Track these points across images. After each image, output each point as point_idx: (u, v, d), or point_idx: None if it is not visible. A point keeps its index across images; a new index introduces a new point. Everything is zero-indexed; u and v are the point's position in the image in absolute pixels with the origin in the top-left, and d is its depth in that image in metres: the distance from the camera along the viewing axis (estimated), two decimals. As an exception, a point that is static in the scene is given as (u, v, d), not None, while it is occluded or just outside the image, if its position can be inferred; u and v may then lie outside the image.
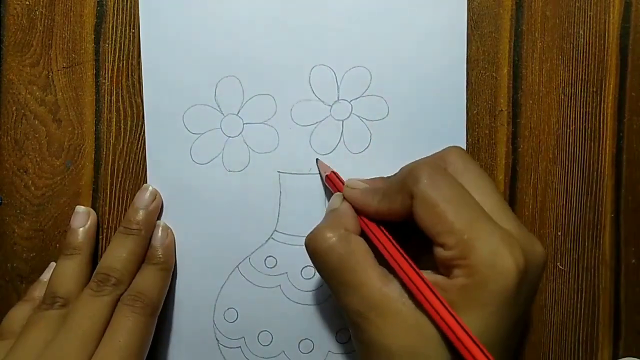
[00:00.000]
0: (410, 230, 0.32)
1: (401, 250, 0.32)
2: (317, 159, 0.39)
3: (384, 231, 0.33)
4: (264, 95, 0.40)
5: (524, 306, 0.31)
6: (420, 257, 0.32)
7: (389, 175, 0.35)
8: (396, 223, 0.33)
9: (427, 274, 0.31)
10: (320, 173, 0.39)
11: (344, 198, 0.35)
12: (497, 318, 0.29)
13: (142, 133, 0.40)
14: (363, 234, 0.34)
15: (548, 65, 0.40)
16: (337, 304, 0.33)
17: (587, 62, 0.40)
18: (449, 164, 0.33)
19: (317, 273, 0.40)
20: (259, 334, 0.40)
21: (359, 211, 0.34)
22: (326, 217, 0.35)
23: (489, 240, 0.29)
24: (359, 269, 0.31)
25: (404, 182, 0.32)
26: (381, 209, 0.33)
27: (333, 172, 0.38)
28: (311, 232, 0.34)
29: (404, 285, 0.31)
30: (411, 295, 0.30)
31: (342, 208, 0.35)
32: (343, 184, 0.36)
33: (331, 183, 0.38)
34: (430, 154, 0.39)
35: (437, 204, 0.30)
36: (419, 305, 0.30)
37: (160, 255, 0.39)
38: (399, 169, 0.34)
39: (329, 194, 0.39)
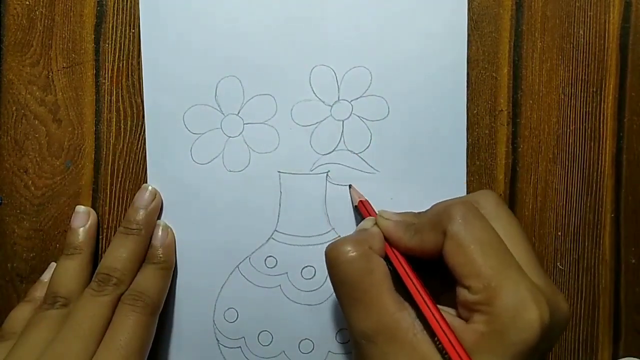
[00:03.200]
0: (432, 268, 0.32)
1: (422, 283, 0.31)
2: (350, 185, 0.39)
3: (407, 261, 0.33)
4: (264, 95, 0.40)
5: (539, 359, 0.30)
6: (439, 296, 0.32)
7: (420, 211, 0.35)
8: (420, 259, 0.33)
9: (445, 313, 0.30)
10: (352, 200, 0.39)
11: (375, 223, 0.35)
12: None
13: (142, 133, 0.40)
14: (386, 260, 0.33)
15: (548, 65, 0.40)
16: (345, 320, 0.32)
17: (587, 62, 0.40)
18: (482, 207, 0.33)
19: (317, 273, 0.40)
20: (259, 334, 0.40)
21: (389, 243, 0.34)
22: (354, 233, 0.35)
23: (516, 290, 0.29)
24: (375, 290, 0.31)
25: (439, 219, 0.31)
26: (413, 244, 0.32)
27: (365, 200, 0.38)
28: (333, 242, 0.33)
29: (418, 316, 0.30)
30: (424, 327, 0.30)
31: (372, 230, 0.34)
32: (372, 212, 0.36)
33: (364, 209, 0.37)
34: (430, 154, 0.39)
35: (468, 245, 0.30)
36: (431, 338, 0.29)
37: (161, 255, 0.39)
38: (431, 206, 0.34)
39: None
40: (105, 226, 0.41)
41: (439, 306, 0.30)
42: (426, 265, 0.33)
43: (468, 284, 0.29)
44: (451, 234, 0.30)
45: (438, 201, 0.39)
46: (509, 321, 0.28)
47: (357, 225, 0.37)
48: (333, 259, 0.32)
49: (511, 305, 0.28)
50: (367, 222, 0.35)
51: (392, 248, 0.33)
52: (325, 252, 0.33)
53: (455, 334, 0.29)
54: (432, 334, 0.29)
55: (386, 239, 0.34)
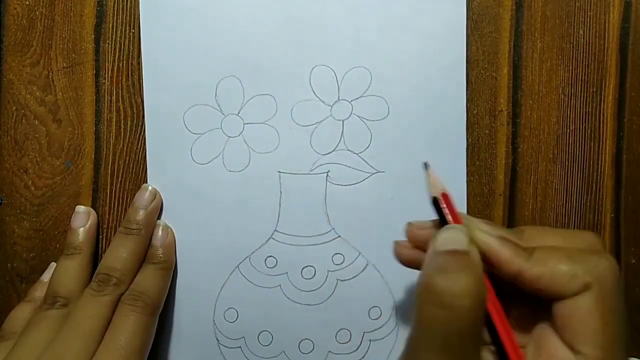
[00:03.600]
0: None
1: (508, 325, 0.27)
2: (425, 163, 0.30)
3: (496, 297, 0.27)
4: (264, 95, 0.40)
5: None
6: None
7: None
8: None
9: None
10: (429, 188, 0.30)
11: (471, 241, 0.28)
12: None
13: (142, 133, 0.40)
14: None
15: (548, 65, 0.40)
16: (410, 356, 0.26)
17: (587, 62, 0.40)
18: (602, 278, 0.27)
19: (317, 273, 0.40)
20: (259, 334, 0.40)
21: (492, 265, 0.27)
22: (446, 258, 0.27)
23: None
24: (474, 343, 0.25)
25: (583, 265, 0.27)
26: (532, 273, 0.27)
27: (446, 192, 0.29)
28: (433, 267, 0.26)
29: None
30: None
31: (474, 254, 0.27)
32: (456, 215, 0.29)
33: (445, 208, 0.28)
34: (430, 154, 0.39)
35: (606, 312, 0.26)
36: None
37: (161, 255, 0.39)
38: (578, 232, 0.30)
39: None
40: (105, 226, 0.41)
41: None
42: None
43: (580, 348, 0.26)
44: (598, 291, 0.26)
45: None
46: None
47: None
48: (438, 290, 0.25)
49: None
50: (460, 237, 0.27)
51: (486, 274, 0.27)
52: (420, 283, 0.26)
53: None
54: None
55: (489, 256, 0.27)
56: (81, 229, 0.39)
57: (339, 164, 0.40)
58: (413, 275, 0.31)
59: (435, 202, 0.28)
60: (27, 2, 0.40)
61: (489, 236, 0.27)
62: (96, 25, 0.40)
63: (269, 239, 0.40)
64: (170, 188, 0.40)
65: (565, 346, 0.27)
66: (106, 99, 0.40)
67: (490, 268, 0.27)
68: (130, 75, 0.40)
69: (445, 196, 0.28)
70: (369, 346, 0.40)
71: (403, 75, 0.39)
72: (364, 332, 0.40)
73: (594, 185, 0.40)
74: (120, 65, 0.40)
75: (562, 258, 0.27)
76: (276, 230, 0.40)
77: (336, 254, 0.40)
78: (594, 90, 0.40)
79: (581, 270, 0.27)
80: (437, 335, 0.25)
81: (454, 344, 0.25)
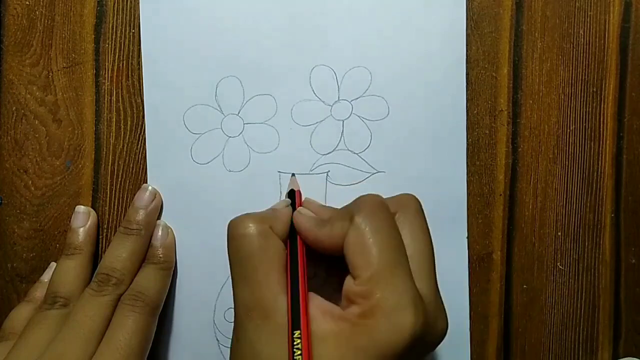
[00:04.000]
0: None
1: (304, 272, 0.32)
2: (292, 174, 0.39)
3: (301, 252, 0.33)
4: (264, 95, 0.40)
5: None
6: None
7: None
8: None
9: (326, 300, 0.31)
10: (290, 186, 0.39)
11: (294, 212, 0.35)
12: None
13: (142, 133, 0.40)
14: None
15: (548, 65, 0.40)
16: (233, 292, 0.32)
17: (587, 62, 0.40)
18: (399, 211, 0.33)
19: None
20: (259, 334, 0.40)
21: (301, 237, 0.33)
22: (262, 211, 0.35)
23: (397, 292, 0.29)
24: (264, 268, 0.31)
25: (349, 209, 0.32)
26: (321, 234, 0.32)
27: (297, 190, 0.37)
28: (238, 215, 0.33)
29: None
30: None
31: (282, 211, 0.34)
32: (298, 204, 0.36)
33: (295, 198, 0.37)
34: (430, 154, 0.39)
35: (368, 236, 0.30)
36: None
37: (161, 255, 0.39)
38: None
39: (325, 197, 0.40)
40: (105, 226, 0.41)
41: (322, 298, 0.31)
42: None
43: (357, 274, 0.30)
44: (356, 222, 0.30)
45: (438, 201, 0.39)
46: (381, 318, 0.28)
47: None
48: (231, 231, 0.33)
49: (387, 304, 0.29)
50: (281, 204, 0.36)
51: (296, 239, 0.33)
52: (228, 223, 0.33)
53: (332, 320, 0.29)
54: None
55: (297, 231, 0.34)
56: (81, 229, 0.39)
57: (339, 163, 0.40)
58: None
59: (292, 193, 0.37)
60: (27, 2, 0.40)
61: (299, 214, 0.34)
62: (96, 25, 0.40)
63: (269, 239, 0.40)
64: (170, 188, 0.40)
65: (350, 278, 0.30)
66: (106, 99, 0.40)
67: (303, 237, 0.33)
68: (130, 75, 0.40)
69: (299, 193, 0.37)
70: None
71: (403, 75, 0.39)
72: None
73: (594, 185, 0.40)
74: (120, 65, 0.40)
75: (336, 215, 0.32)
76: (276, 230, 0.40)
77: (336, 253, 0.40)
78: (594, 90, 0.40)
79: (347, 214, 0.31)
80: (234, 262, 0.32)
81: (247, 270, 0.31)
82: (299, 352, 0.28)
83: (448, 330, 0.32)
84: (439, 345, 0.39)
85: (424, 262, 0.32)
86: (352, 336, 0.29)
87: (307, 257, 0.33)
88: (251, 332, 0.30)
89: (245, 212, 0.33)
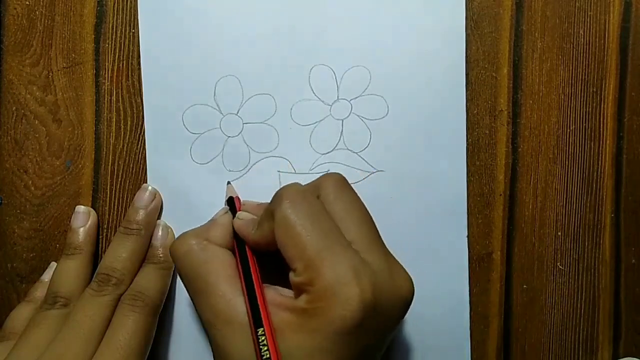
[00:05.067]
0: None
1: (255, 271, 0.32)
2: (228, 182, 0.40)
3: (249, 253, 0.34)
4: (263, 94, 0.40)
5: (372, 338, 0.30)
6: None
7: None
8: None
9: (279, 291, 0.32)
10: (228, 193, 0.39)
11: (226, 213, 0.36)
12: (331, 346, 0.29)
13: (142, 133, 0.40)
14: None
15: (548, 65, 0.40)
16: (195, 311, 0.33)
17: (587, 62, 0.40)
18: (322, 190, 0.33)
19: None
20: (258, 334, 0.40)
21: (246, 242, 0.34)
22: (202, 225, 0.36)
23: (336, 268, 0.29)
24: (212, 278, 0.32)
25: (270, 205, 0.32)
26: (256, 237, 0.33)
27: (235, 197, 0.38)
28: (177, 237, 0.35)
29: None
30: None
31: (219, 220, 0.36)
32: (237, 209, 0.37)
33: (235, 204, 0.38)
34: (430, 153, 0.39)
35: (293, 226, 0.30)
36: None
37: (161, 255, 0.39)
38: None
39: None
40: (105, 226, 0.41)
41: (278, 289, 0.32)
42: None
43: (294, 266, 0.30)
44: (277, 217, 0.31)
45: (438, 201, 0.39)
46: (328, 298, 0.29)
47: None
48: (173, 253, 0.34)
49: (330, 283, 0.29)
50: (219, 213, 0.36)
51: (243, 243, 0.34)
52: (169, 248, 0.35)
53: (286, 311, 0.30)
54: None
55: (240, 236, 0.34)
56: (81, 229, 0.39)
57: (339, 163, 0.40)
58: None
59: (230, 200, 0.37)
60: (27, 2, 0.40)
61: (237, 219, 0.35)
62: (96, 25, 0.40)
63: (268, 238, 0.40)
64: (170, 188, 0.40)
65: (291, 271, 0.30)
66: (106, 99, 0.40)
67: (247, 243, 0.34)
68: (130, 75, 0.40)
69: (237, 199, 0.38)
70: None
71: (402, 75, 0.39)
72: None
73: (594, 185, 0.40)
74: (120, 65, 0.40)
75: (263, 214, 0.33)
76: (276, 230, 0.40)
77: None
78: (594, 90, 0.40)
79: (270, 211, 0.32)
80: (185, 281, 0.33)
81: (198, 285, 0.32)
82: (266, 348, 0.29)
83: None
84: (439, 345, 0.39)
85: (361, 230, 0.32)
86: (306, 321, 0.29)
87: (261, 252, 0.34)
88: (220, 340, 0.31)
89: (184, 231, 0.35)
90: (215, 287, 0.32)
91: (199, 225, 0.36)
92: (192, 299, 0.33)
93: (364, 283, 0.29)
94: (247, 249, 0.34)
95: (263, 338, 0.29)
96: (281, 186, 0.38)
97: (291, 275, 0.30)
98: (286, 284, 0.32)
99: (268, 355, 0.29)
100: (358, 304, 0.28)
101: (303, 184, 0.34)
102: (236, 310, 0.31)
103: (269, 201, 0.33)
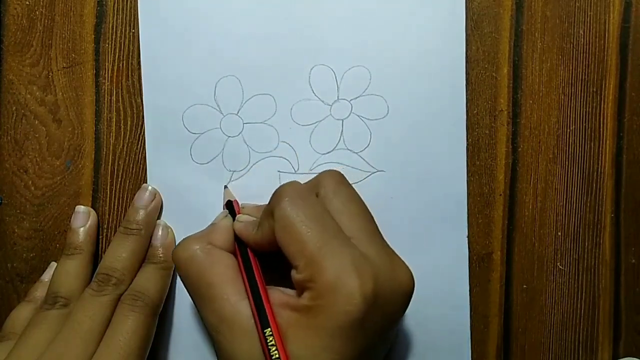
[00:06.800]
0: None
1: (258, 273, 0.33)
2: (225, 186, 0.40)
3: (251, 255, 0.34)
4: (263, 94, 0.40)
5: (376, 333, 0.30)
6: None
7: None
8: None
9: (282, 291, 0.32)
10: (227, 197, 0.39)
11: (233, 220, 0.36)
12: (334, 341, 0.29)
13: (142, 133, 0.40)
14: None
15: (548, 65, 0.40)
16: (199, 315, 0.34)
17: (587, 62, 0.40)
18: (321, 188, 0.33)
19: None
20: (258, 334, 0.40)
21: (246, 244, 0.34)
22: (203, 229, 0.36)
23: (337, 263, 0.29)
24: (216, 282, 0.32)
25: (270, 203, 0.32)
26: (257, 238, 0.33)
27: (233, 200, 0.38)
28: (179, 242, 0.35)
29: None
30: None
31: (220, 224, 0.36)
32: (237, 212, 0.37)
33: (234, 208, 0.38)
34: (430, 153, 0.39)
35: (292, 224, 0.30)
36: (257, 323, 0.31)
37: (161, 255, 0.39)
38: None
39: None
40: (105, 226, 0.41)
41: (280, 289, 0.32)
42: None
43: (295, 264, 0.30)
44: (277, 215, 0.31)
45: (438, 201, 0.39)
46: (330, 294, 0.29)
47: None
48: (176, 258, 0.34)
49: (331, 278, 0.29)
50: (219, 216, 0.37)
51: (245, 245, 0.34)
52: (172, 253, 0.35)
53: (290, 310, 0.30)
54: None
55: (241, 238, 0.35)
56: (81, 229, 0.39)
57: (339, 163, 0.40)
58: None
59: (229, 204, 0.38)
60: (27, 2, 0.40)
61: (237, 222, 0.35)
62: (96, 25, 0.40)
63: (268, 238, 0.40)
64: (170, 188, 0.40)
65: (293, 269, 0.31)
66: (106, 99, 0.40)
67: (247, 244, 0.34)
68: (130, 75, 0.40)
69: (235, 202, 0.38)
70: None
71: (403, 75, 0.39)
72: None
73: (594, 185, 0.40)
74: (120, 65, 0.40)
75: (262, 214, 0.33)
76: (276, 230, 0.40)
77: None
78: (594, 90, 0.40)
79: (270, 210, 0.32)
80: (188, 286, 0.33)
81: (202, 289, 0.32)
82: (275, 348, 0.29)
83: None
84: (439, 345, 0.39)
85: (360, 225, 0.32)
86: (311, 319, 0.29)
87: (263, 254, 0.34)
88: (225, 345, 0.31)
89: (185, 236, 0.35)
90: (220, 291, 0.32)
91: (198, 226, 0.36)
92: (195, 304, 0.33)
93: (365, 277, 0.29)
94: (248, 251, 0.34)
95: (271, 338, 0.29)
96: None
97: (293, 273, 0.31)
98: (288, 284, 0.32)
99: (277, 355, 0.29)
100: (360, 297, 0.29)
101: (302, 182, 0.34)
102: (241, 313, 0.31)
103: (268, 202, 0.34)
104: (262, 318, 0.30)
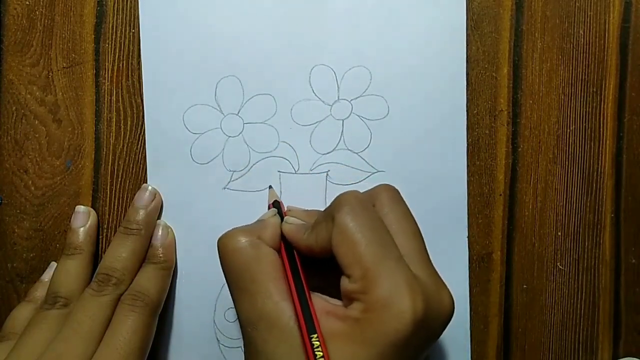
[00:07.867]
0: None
1: (304, 276, 0.32)
2: (270, 186, 0.40)
3: (297, 256, 0.33)
4: (264, 95, 0.40)
5: (418, 353, 0.30)
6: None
7: None
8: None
9: (328, 300, 0.32)
10: (272, 197, 0.39)
11: (282, 221, 0.35)
12: (379, 357, 0.29)
13: (142, 133, 0.40)
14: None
15: (548, 65, 0.40)
16: (235, 307, 0.33)
17: (587, 62, 0.40)
18: (377, 201, 0.33)
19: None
20: (259, 334, 0.40)
21: (294, 247, 0.34)
22: (250, 224, 0.35)
23: (392, 281, 0.29)
24: (261, 278, 0.32)
25: (330, 209, 0.32)
26: (309, 241, 0.33)
27: (280, 201, 0.38)
28: (226, 232, 0.34)
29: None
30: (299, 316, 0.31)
31: (269, 221, 0.35)
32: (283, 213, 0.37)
33: (280, 208, 0.38)
34: (430, 153, 0.39)
35: (352, 233, 0.30)
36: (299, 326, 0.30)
37: (161, 255, 0.39)
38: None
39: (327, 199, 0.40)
40: (105, 226, 0.41)
41: (326, 297, 0.32)
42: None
43: (349, 273, 0.30)
44: (338, 222, 0.31)
45: (438, 201, 0.39)
46: (382, 310, 0.29)
47: None
48: (222, 249, 0.33)
49: (385, 294, 0.29)
50: (269, 213, 0.36)
51: (291, 246, 0.34)
52: (217, 241, 0.34)
53: (335, 320, 0.30)
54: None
55: (289, 240, 0.34)
56: (81, 229, 0.39)
57: (339, 163, 0.40)
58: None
59: (276, 204, 0.37)
60: (27, 2, 0.40)
61: (286, 224, 0.35)
62: (96, 25, 0.40)
63: (269, 238, 0.40)
64: (170, 188, 0.40)
65: (345, 277, 0.30)
66: (106, 99, 0.40)
67: (295, 247, 0.34)
68: (130, 75, 0.40)
69: (281, 203, 0.38)
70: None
71: (403, 75, 0.39)
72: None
73: (594, 185, 0.40)
74: (120, 65, 0.40)
75: (319, 218, 0.33)
76: (276, 230, 0.40)
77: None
78: (594, 90, 0.40)
79: (329, 215, 0.31)
80: (230, 277, 0.33)
81: (245, 283, 0.32)
82: (321, 355, 0.29)
83: (448, 329, 0.32)
84: (439, 345, 0.39)
85: (413, 245, 0.32)
86: (359, 332, 0.29)
87: (305, 259, 0.33)
88: (260, 344, 0.30)
89: (232, 228, 0.34)
90: (264, 288, 0.31)
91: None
92: (233, 297, 0.33)
93: (416, 296, 0.29)
94: (295, 253, 0.34)
95: (318, 344, 0.29)
96: (287, 187, 0.39)
97: (344, 281, 0.30)
98: (326, 292, 0.32)
99: None
100: (411, 316, 0.29)
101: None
102: (284, 313, 0.30)
103: (316, 208, 0.35)
104: (308, 323, 0.30)
